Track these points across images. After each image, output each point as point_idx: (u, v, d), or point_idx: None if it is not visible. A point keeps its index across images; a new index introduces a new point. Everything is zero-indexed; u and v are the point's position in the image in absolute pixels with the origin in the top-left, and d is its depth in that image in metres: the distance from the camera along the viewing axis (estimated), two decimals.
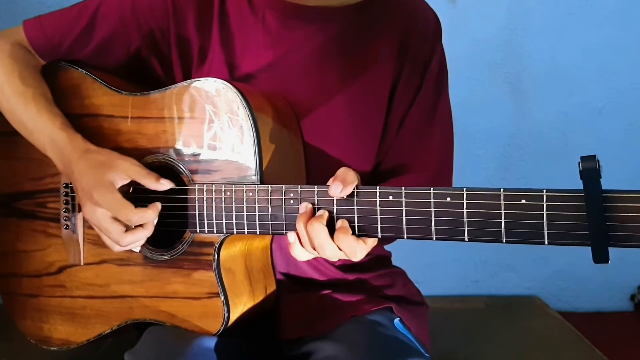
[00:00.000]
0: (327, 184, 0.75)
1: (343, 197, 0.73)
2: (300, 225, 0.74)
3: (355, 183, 0.73)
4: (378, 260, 1.02)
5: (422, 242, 0.95)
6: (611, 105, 1.94)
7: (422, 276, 1.18)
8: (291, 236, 0.76)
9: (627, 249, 2.02)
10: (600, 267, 2.13)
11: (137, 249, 0.87)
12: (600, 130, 1.92)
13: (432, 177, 0.93)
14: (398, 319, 0.93)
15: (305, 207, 0.75)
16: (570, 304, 2.04)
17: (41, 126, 0.89)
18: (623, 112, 1.94)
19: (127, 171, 0.83)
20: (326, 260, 0.95)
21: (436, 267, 1.95)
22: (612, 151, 1.85)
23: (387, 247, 1.06)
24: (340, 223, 0.73)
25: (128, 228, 0.82)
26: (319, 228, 0.73)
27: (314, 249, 0.75)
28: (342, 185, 0.72)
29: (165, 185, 0.84)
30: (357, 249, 0.74)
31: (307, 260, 0.94)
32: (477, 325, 1.73)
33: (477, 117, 1.88)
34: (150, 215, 0.82)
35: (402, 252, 1.09)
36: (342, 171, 0.74)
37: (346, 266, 0.96)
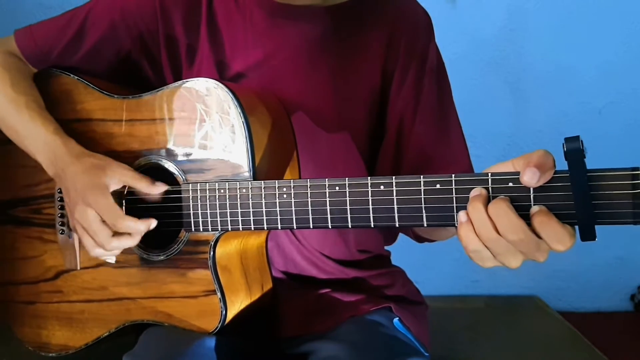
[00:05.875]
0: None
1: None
2: (479, 206, 0.61)
3: (554, 169, 0.60)
4: (377, 259, 1.02)
5: None
6: (611, 105, 1.94)
7: (422, 276, 1.18)
8: (463, 215, 0.62)
9: (626, 250, 2.00)
10: (600, 267, 2.13)
11: (112, 260, 0.87)
12: (600, 130, 1.92)
13: (466, 171, 0.90)
14: (397, 318, 0.93)
15: (479, 190, 0.62)
16: (570, 304, 2.04)
17: (34, 131, 0.90)
18: (623, 112, 1.94)
19: (121, 176, 0.83)
20: (326, 256, 0.95)
21: (436, 267, 1.95)
22: (612, 151, 1.85)
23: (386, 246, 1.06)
24: (539, 207, 0.59)
25: (115, 233, 0.83)
26: (506, 206, 0.60)
27: (496, 235, 0.60)
28: (539, 172, 0.58)
29: (159, 188, 0.84)
30: (563, 236, 0.58)
31: (306, 257, 0.95)
32: (477, 325, 1.73)
33: (477, 117, 1.88)
34: (140, 227, 0.82)
35: (401, 252, 1.09)
36: (541, 155, 0.59)
37: (345, 262, 0.97)
